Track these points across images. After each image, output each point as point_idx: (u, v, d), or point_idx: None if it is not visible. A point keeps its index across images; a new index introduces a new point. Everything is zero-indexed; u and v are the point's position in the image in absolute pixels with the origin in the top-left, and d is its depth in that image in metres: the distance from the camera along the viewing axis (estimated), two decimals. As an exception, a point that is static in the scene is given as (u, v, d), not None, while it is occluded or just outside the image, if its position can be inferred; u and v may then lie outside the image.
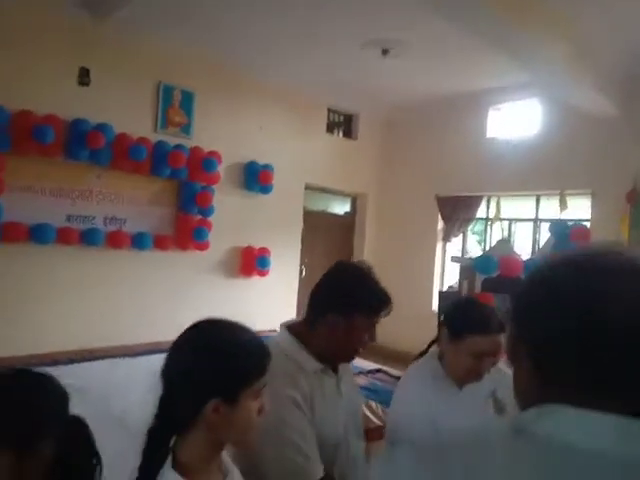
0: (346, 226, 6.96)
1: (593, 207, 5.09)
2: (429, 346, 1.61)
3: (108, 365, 3.39)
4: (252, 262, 5.44)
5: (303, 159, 6.02)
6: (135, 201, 4.76)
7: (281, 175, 5.64)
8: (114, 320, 4.53)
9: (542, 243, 5.48)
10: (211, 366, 0.89)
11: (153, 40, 4.68)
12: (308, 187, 6.22)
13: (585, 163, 5.01)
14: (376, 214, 6.98)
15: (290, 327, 1.37)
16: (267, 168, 5.49)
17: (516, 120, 5.90)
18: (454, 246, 6.48)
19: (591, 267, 0.55)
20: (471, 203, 6.05)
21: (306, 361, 1.29)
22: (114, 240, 4.51)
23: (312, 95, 6.04)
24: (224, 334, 0.96)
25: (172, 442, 0.91)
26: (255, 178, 5.44)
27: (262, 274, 5.54)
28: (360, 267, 1.34)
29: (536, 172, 5.30)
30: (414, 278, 6.27)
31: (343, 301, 1.27)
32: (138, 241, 4.65)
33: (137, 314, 4.65)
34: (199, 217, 5.01)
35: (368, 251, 6.84)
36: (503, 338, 1.41)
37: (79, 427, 0.97)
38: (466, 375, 1.43)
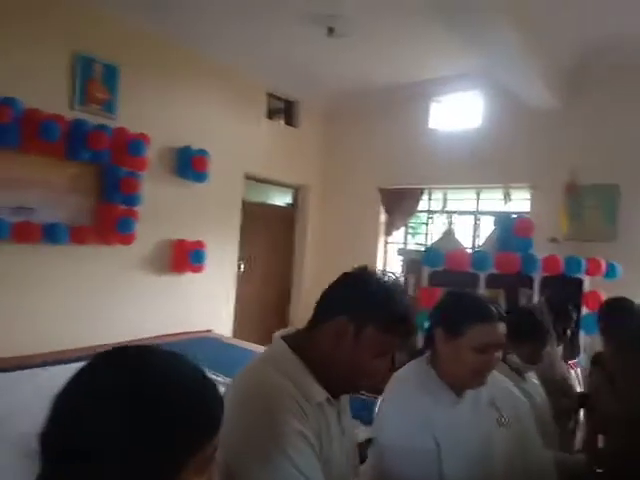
0: (287, 218, 6.65)
1: (533, 200, 5.15)
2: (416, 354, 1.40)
3: (8, 380, 2.86)
4: (185, 257, 4.99)
5: (242, 146, 5.63)
6: (48, 188, 4.15)
7: (218, 162, 5.21)
8: (23, 327, 3.91)
9: (482, 236, 5.49)
10: (125, 431, 0.54)
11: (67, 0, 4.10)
12: (248, 177, 5.85)
13: (525, 156, 5.05)
14: (318, 206, 6.73)
15: (287, 339, 1.06)
16: (202, 154, 5.05)
17: (458, 112, 5.88)
18: (394, 239, 6.39)
19: None
20: (413, 195, 5.97)
21: (312, 388, 0.99)
22: (21, 233, 3.90)
23: (252, 76, 5.66)
24: (144, 376, 0.59)
25: None
26: (189, 165, 4.98)
27: (196, 270, 5.11)
28: (385, 274, 1.10)
29: (478, 165, 5.28)
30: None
31: (357, 303, 1.01)
32: (51, 234, 4.05)
33: (51, 319, 4.06)
34: (124, 207, 4.49)
35: (310, 244, 6.59)
36: (504, 328, 1.27)
37: None
38: (472, 376, 1.26)
